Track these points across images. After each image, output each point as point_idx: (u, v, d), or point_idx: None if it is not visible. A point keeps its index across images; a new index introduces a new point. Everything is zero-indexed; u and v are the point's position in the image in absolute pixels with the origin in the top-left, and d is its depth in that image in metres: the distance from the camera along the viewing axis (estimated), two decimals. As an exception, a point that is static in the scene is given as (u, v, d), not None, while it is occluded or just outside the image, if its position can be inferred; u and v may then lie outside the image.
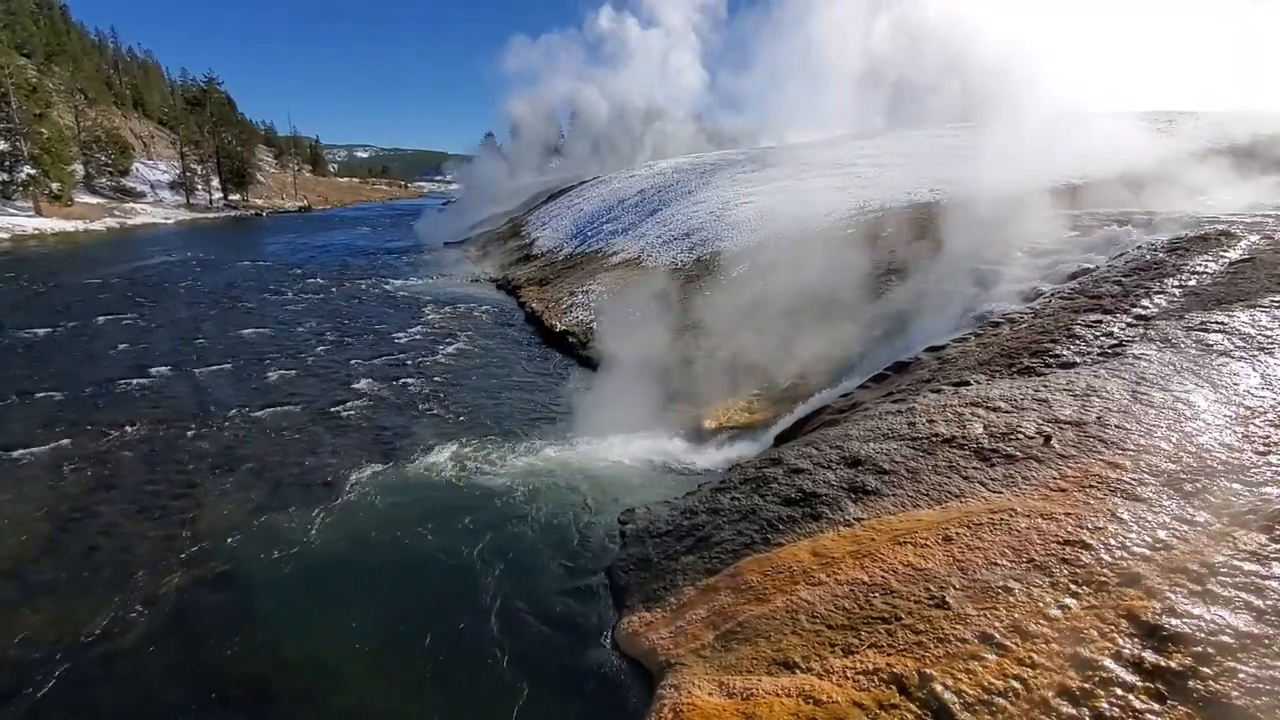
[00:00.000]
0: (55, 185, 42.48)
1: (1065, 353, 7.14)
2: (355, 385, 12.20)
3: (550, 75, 61.63)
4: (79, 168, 49.11)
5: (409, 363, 13.77)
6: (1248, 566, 3.88)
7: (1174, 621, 3.64)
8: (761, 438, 9.12)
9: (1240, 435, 5.08)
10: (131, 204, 52.04)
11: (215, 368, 13.21)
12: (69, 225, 41.33)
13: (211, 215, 57.61)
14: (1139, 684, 3.39)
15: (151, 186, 58.72)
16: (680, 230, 19.30)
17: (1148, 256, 9.14)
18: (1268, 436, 4.99)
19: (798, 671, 4.20)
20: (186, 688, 5.23)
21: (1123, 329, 7.30)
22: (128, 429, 10.00)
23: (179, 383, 12.33)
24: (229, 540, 7.14)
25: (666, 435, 9.55)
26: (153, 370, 12.85)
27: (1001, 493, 5.21)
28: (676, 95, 55.71)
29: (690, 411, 10.34)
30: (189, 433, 9.96)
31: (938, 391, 7.20)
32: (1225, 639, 3.48)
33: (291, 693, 5.18)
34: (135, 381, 12.21)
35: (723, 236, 17.10)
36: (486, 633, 5.75)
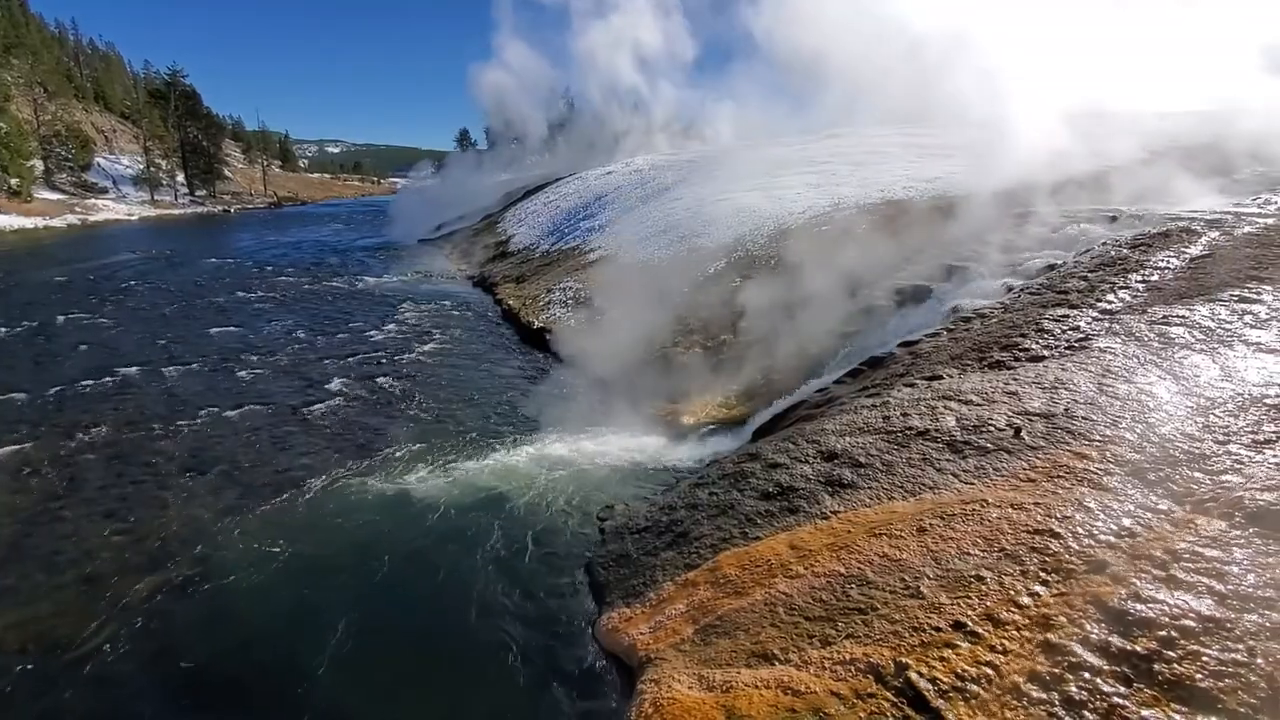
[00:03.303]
0: (14, 181, 41.22)
1: (1034, 346, 7.30)
2: (328, 385, 12.00)
3: (527, 71, 60.95)
4: (39, 163, 47.56)
5: (383, 361, 13.59)
6: (1209, 552, 4.00)
7: (1139, 607, 3.74)
8: (739, 433, 9.17)
9: (1201, 425, 5.24)
10: (94, 200, 50.55)
11: (183, 367, 12.90)
12: (28, 222, 40.04)
13: (177, 211, 56.19)
14: (1106, 668, 3.49)
15: (114, 182, 57.10)
16: (657, 227, 19.29)
17: (1112, 253, 9.37)
18: (1227, 426, 5.16)
19: (776, 663, 4.24)
20: (157, 693, 5.12)
21: (1089, 323, 7.48)
22: (92, 431, 9.73)
23: (145, 383, 12.02)
24: (198, 543, 6.99)
25: (645, 432, 9.56)
26: (117, 370, 12.51)
27: (973, 484, 5.31)
28: (651, 92, 55.55)
29: (669, 407, 10.37)
30: (156, 434, 9.72)
31: (911, 385, 7.31)
32: (1189, 623, 3.59)
33: (267, 696, 5.09)
34: (99, 382, 11.88)
35: (699, 233, 17.13)
36: (465, 632, 5.71)
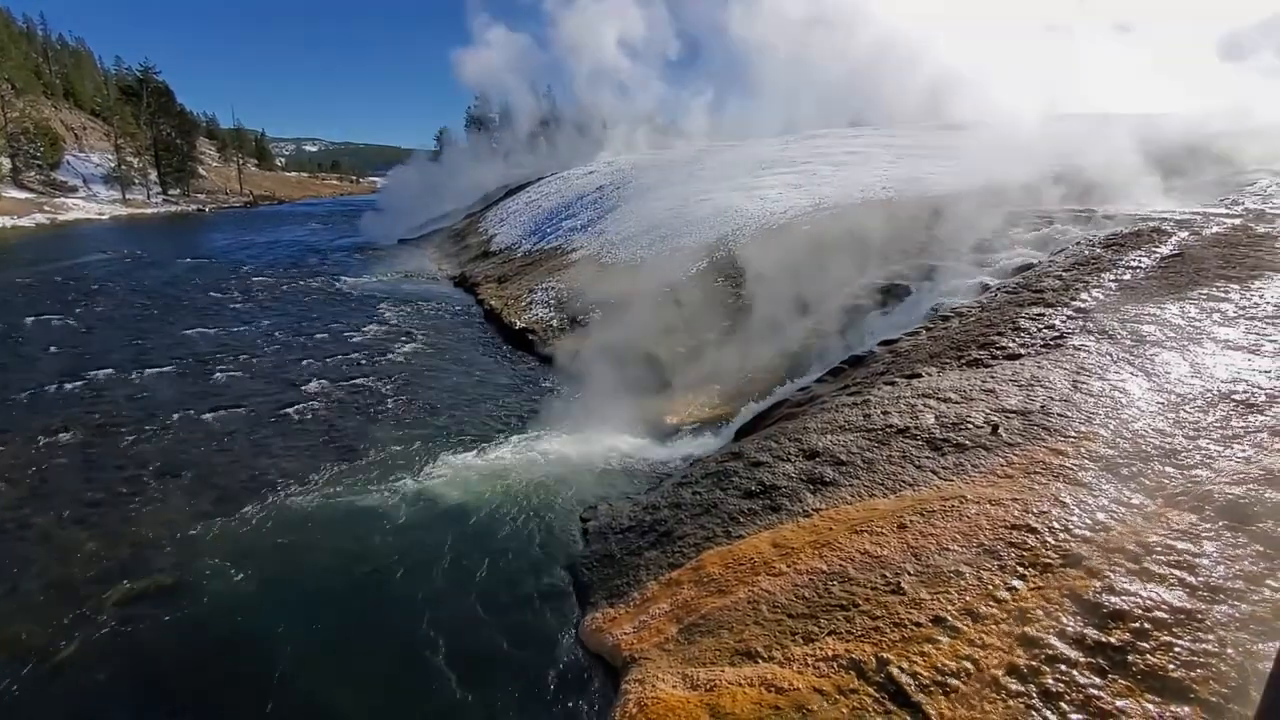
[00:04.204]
0: (-21, 179, 40.11)
1: (1010, 345, 7.41)
2: (307, 387, 11.84)
3: (510, 70, 60.70)
4: (6, 161, 46.42)
5: (363, 362, 13.44)
6: (1180, 545, 4.09)
7: (1114, 599, 3.81)
8: (722, 432, 9.20)
9: (1172, 421, 5.35)
10: (63, 199, 49.38)
11: (156, 370, 12.65)
12: (-6, 221, 39.06)
13: (150, 211, 55.04)
14: (1082, 660, 3.55)
15: (85, 180, 55.80)
16: (640, 227, 19.30)
17: (1086, 252, 9.54)
18: (1197, 422, 5.27)
19: (760, 661, 4.26)
20: (131, 703, 5.02)
21: (1063, 321, 7.61)
22: (62, 435, 9.50)
23: (117, 386, 11.77)
24: (173, 550, 6.85)
25: (628, 432, 9.56)
26: (88, 373, 12.23)
27: (952, 480, 5.37)
28: (633, 89, 55.58)
29: (652, 408, 10.37)
30: (128, 438, 9.52)
31: (891, 384, 7.39)
32: (1161, 614, 3.67)
33: (244, 704, 5.01)
34: (69, 385, 11.60)
35: (682, 233, 17.16)
36: (448, 636, 5.66)
